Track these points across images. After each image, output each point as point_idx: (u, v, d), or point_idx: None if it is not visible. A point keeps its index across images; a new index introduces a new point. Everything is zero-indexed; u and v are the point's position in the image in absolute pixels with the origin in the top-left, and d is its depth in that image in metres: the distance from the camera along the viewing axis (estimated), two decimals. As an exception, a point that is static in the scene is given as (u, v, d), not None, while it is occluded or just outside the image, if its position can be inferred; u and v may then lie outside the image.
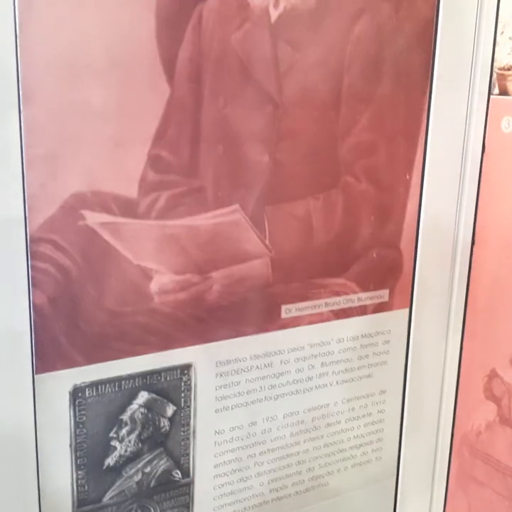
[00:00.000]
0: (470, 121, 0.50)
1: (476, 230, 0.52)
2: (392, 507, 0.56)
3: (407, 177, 0.48)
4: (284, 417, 0.48)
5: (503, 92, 0.49)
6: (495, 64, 0.49)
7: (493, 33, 0.49)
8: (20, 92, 0.35)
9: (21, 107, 0.35)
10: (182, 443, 0.44)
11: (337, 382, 0.50)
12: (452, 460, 0.57)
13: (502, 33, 0.49)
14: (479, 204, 0.52)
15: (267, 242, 0.44)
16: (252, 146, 0.41)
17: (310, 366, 0.48)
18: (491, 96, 0.50)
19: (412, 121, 0.47)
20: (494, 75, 0.50)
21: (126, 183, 0.38)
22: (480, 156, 0.51)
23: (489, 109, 0.50)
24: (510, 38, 0.48)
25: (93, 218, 0.37)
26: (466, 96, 0.49)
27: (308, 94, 0.43)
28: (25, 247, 0.36)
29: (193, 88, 0.39)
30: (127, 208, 0.38)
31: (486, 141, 0.50)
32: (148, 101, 0.38)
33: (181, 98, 0.38)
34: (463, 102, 0.49)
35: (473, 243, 0.52)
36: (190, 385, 0.43)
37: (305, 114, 0.43)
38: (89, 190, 0.37)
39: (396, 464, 0.55)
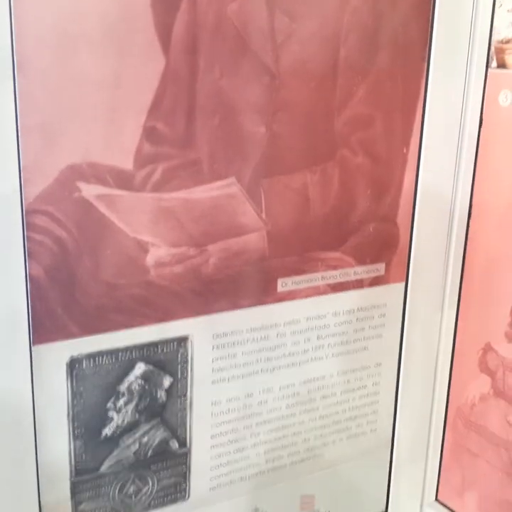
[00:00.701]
0: (467, 94, 0.49)
1: (473, 203, 0.52)
2: (387, 478, 0.56)
3: (404, 150, 0.48)
4: (280, 389, 0.48)
5: (501, 65, 0.49)
6: (493, 37, 0.49)
7: (491, 5, 0.48)
8: (15, 63, 0.34)
9: (16, 78, 0.34)
10: (179, 414, 0.44)
11: (333, 355, 0.50)
12: (446, 432, 0.57)
13: (500, 5, 0.48)
14: (476, 178, 0.52)
15: (264, 215, 0.44)
16: (249, 118, 0.41)
17: (306, 339, 0.49)
18: (489, 69, 0.49)
19: (409, 94, 0.47)
20: (492, 48, 0.49)
21: (121, 155, 0.38)
22: (477, 130, 0.50)
23: (487, 82, 0.49)
24: (508, 11, 0.48)
25: (89, 190, 0.37)
26: (464, 69, 0.49)
27: (305, 65, 0.42)
28: (21, 218, 0.36)
29: (188, 59, 0.38)
30: (123, 180, 0.38)
31: (483, 115, 0.50)
32: (143, 72, 0.37)
33: (177, 69, 0.38)
34: (461, 75, 0.49)
35: (469, 217, 0.53)
36: (186, 357, 0.44)
37: (302, 85, 0.42)
38: (85, 162, 0.37)
39: (390, 436, 0.55)
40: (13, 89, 0.35)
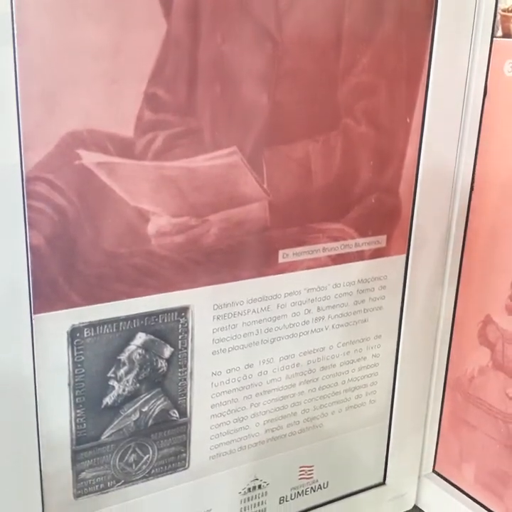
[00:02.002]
0: (472, 64, 0.49)
1: (476, 176, 0.52)
2: (385, 449, 0.57)
3: (408, 120, 0.47)
4: (280, 360, 0.48)
5: (507, 34, 0.48)
6: (499, 5, 0.48)
7: (497, -27, 0.48)
8: (15, 29, 0.34)
9: (16, 44, 0.34)
10: (179, 384, 0.44)
11: (333, 327, 0.50)
12: (445, 404, 0.58)
13: (507, -27, 0.48)
14: (479, 149, 0.51)
15: (265, 185, 0.43)
16: (251, 86, 0.41)
17: (306, 310, 0.49)
18: (494, 38, 0.49)
19: (413, 63, 0.47)
20: (498, 17, 0.48)
21: (122, 122, 0.37)
22: (481, 100, 0.50)
23: (492, 51, 0.49)
24: (515, -22, 0.47)
25: (89, 158, 0.37)
26: (469, 38, 0.48)
27: (308, 33, 0.42)
28: (21, 186, 0.36)
29: (190, 24, 0.38)
30: (124, 148, 0.38)
31: (488, 85, 0.50)
32: (144, 37, 0.37)
33: (178, 35, 0.37)
34: (465, 45, 0.48)
35: (471, 189, 0.52)
36: (187, 327, 0.44)
37: (305, 53, 0.42)
38: (85, 129, 0.36)
39: (389, 408, 0.56)
40: (13, 57, 0.34)
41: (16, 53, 0.34)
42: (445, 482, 0.59)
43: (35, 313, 0.38)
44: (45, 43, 0.35)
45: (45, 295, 0.38)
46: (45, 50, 0.35)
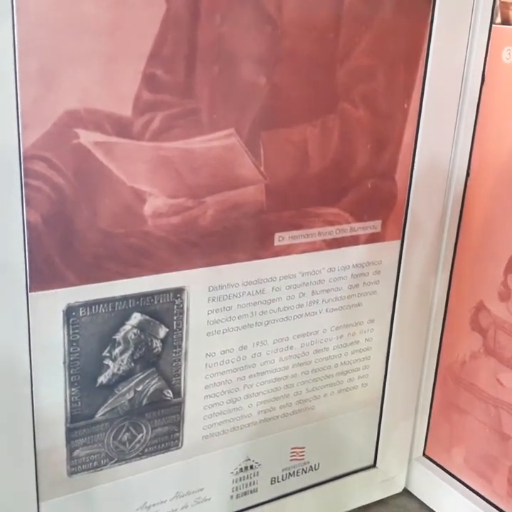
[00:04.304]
0: (471, 50, 0.49)
1: (472, 162, 0.52)
2: (376, 432, 0.57)
3: (405, 106, 0.48)
4: (274, 343, 0.49)
5: (506, 21, 0.48)
6: (498, -8, 0.48)
7: (497, -42, 0.47)
8: (14, 7, 0.34)
9: (15, 20, 0.34)
10: (173, 364, 0.45)
11: (327, 310, 0.50)
12: (436, 389, 0.58)
13: (508, -41, 0.47)
14: (476, 136, 0.51)
15: (262, 168, 0.43)
16: (249, 68, 0.40)
17: (301, 294, 0.49)
18: (493, 25, 0.49)
19: (412, 48, 0.47)
20: (497, 4, 0.48)
21: (120, 101, 0.37)
22: (479, 87, 0.50)
23: (491, 38, 0.49)
24: (516, -35, 0.47)
25: (87, 137, 0.37)
26: (468, 24, 0.48)
27: (307, 15, 0.42)
28: (18, 164, 0.36)
29: (189, 4, 0.38)
30: (121, 127, 0.38)
31: (486, 72, 0.50)
32: (143, 17, 0.37)
33: (177, 14, 0.37)
34: (464, 31, 0.48)
35: (467, 176, 0.52)
36: (182, 308, 0.44)
37: (304, 35, 0.42)
38: (83, 108, 0.36)
39: (381, 391, 0.56)
40: (11, 34, 0.34)
41: (15, 29, 0.34)
42: (435, 466, 0.59)
43: (31, 291, 0.38)
44: (44, 19, 0.35)
45: (42, 273, 0.38)
46: (44, 26, 0.35)
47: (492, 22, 0.49)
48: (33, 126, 0.36)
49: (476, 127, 0.51)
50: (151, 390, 0.44)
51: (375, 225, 0.50)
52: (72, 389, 0.42)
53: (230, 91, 0.41)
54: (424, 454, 0.60)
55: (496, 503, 0.54)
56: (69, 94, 0.36)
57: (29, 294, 0.38)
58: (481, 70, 0.50)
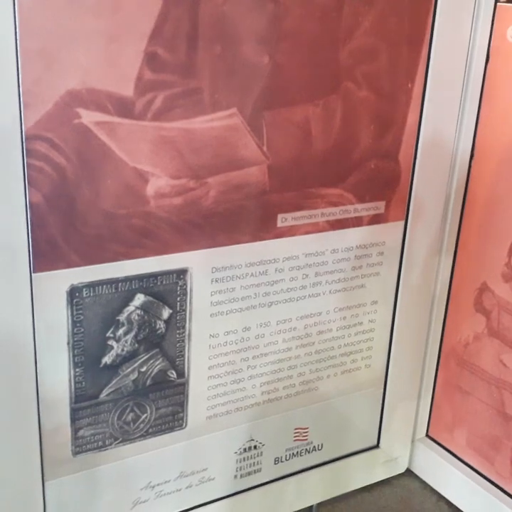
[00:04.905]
0: (475, 29, 0.48)
1: (476, 143, 0.52)
2: (379, 413, 0.58)
3: (409, 86, 0.47)
4: (277, 324, 0.49)
5: (511, -1, 0.48)
6: (504, -30, 0.48)
7: None
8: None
9: (15, 0, 0.34)
10: (177, 345, 0.45)
11: (330, 292, 0.50)
12: (439, 370, 0.58)
13: None
14: (480, 116, 0.51)
15: (265, 148, 0.43)
16: (251, 46, 0.40)
17: (304, 275, 0.49)
18: (498, 3, 0.48)
19: (416, 27, 0.46)
20: (503, -19, 0.48)
21: (121, 81, 0.37)
22: (484, 66, 0.50)
23: (495, 16, 0.48)
24: None
25: (88, 117, 0.37)
26: (473, 3, 0.48)
27: (310, -7, 0.41)
28: (20, 144, 0.36)
29: (191, -18, 0.37)
30: (123, 107, 0.38)
31: (490, 50, 0.49)
32: (145, -5, 0.37)
33: (179, -8, 0.37)
34: (469, 9, 0.48)
35: (471, 157, 0.52)
36: (185, 289, 0.44)
37: (307, 14, 0.41)
38: (85, 88, 0.36)
39: (384, 373, 0.56)
40: (13, 13, 0.34)
41: (16, 9, 0.34)
42: (438, 446, 0.59)
43: (34, 272, 0.38)
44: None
45: (45, 254, 0.38)
46: (44, 6, 0.34)
47: (497, 0, 0.48)
48: (34, 106, 0.36)
49: (480, 107, 0.51)
50: (155, 370, 0.45)
51: (378, 206, 0.50)
52: (77, 369, 0.42)
53: (232, 70, 0.40)
54: (427, 435, 0.61)
55: (498, 483, 0.55)
56: (70, 74, 0.36)
57: (32, 274, 0.38)
58: (486, 48, 0.49)
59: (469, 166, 0.52)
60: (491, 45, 0.49)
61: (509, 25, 0.48)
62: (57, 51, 0.35)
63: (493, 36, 0.49)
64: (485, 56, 0.49)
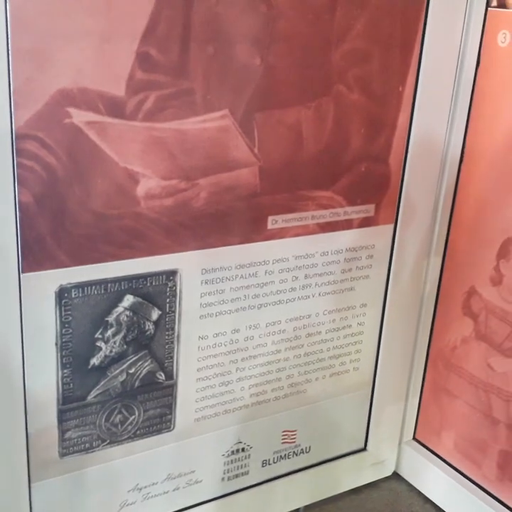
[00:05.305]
0: (466, 33, 0.49)
1: (466, 147, 0.52)
2: (367, 416, 0.58)
3: (400, 89, 0.47)
4: (266, 326, 0.49)
5: (501, 4, 0.48)
6: (495, -25, 0.48)
7: None
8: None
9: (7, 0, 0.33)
10: (166, 346, 0.45)
11: (319, 294, 0.50)
12: (427, 373, 0.59)
13: None
14: (470, 119, 0.51)
15: (256, 150, 0.43)
16: (244, 48, 0.40)
17: (294, 277, 0.49)
18: (489, 8, 0.49)
19: (407, 31, 0.46)
20: (493, -13, 0.48)
21: (113, 81, 0.37)
22: (474, 71, 0.50)
23: (486, 21, 0.49)
24: None
25: (79, 116, 0.37)
26: (464, 7, 0.48)
27: (303, -5, 0.41)
28: (10, 143, 0.35)
29: (184, -18, 0.37)
30: (114, 107, 0.38)
31: (481, 55, 0.50)
32: (137, -5, 0.36)
33: (172, -7, 0.37)
34: (460, 14, 0.48)
35: (461, 160, 0.52)
36: (175, 290, 0.44)
37: (299, 16, 0.41)
38: (76, 87, 0.36)
39: (372, 375, 0.56)
40: (4, 12, 0.33)
41: (7, 7, 0.33)
42: (425, 449, 0.60)
43: (23, 272, 0.38)
44: (36, -1, 0.34)
45: (34, 254, 0.38)
46: (36, 4, 0.34)
47: (488, 5, 0.48)
48: (25, 105, 0.35)
49: (470, 111, 0.51)
50: (144, 372, 0.44)
51: (368, 209, 0.50)
52: (64, 370, 0.42)
53: (224, 71, 0.40)
54: (414, 438, 0.61)
55: (485, 487, 0.55)
56: (61, 74, 0.36)
57: (21, 274, 0.38)
58: (477, 53, 0.49)
59: (459, 170, 0.53)
60: (482, 49, 0.49)
61: (500, 30, 0.48)
62: (49, 50, 0.35)
63: (483, 41, 0.49)
64: (475, 60, 0.50)
